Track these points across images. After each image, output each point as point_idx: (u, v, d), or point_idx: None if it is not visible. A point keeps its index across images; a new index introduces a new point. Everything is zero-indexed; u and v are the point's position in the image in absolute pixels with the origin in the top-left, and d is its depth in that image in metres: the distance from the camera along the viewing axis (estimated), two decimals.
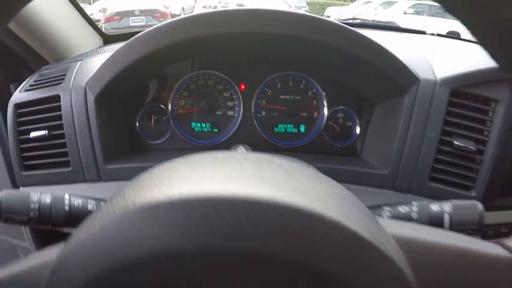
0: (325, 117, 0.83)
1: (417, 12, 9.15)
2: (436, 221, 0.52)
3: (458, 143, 0.69)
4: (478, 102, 0.71)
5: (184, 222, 0.22)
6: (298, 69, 0.83)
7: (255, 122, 0.84)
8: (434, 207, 0.52)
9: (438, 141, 0.70)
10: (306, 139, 0.84)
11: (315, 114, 0.84)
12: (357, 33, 0.67)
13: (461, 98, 0.71)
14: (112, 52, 0.71)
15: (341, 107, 0.84)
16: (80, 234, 0.24)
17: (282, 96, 0.84)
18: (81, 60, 0.85)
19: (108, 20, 7.92)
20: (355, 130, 0.83)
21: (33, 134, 0.75)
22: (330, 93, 0.83)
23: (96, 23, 1.11)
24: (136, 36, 0.68)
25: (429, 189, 0.71)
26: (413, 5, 9.52)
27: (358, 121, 0.83)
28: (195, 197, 0.22)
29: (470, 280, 0.29)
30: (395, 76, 0.70)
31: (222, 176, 0.24)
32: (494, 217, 0.79)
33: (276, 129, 0.85)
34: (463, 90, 0.71)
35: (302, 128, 0.85)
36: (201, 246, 0.22)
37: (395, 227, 0.30)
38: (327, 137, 0.84)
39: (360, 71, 0.73)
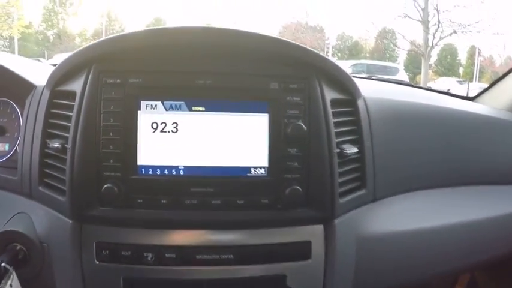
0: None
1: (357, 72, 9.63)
2: None
3: (53, 145, 0.69)
4: (68, 99, 0.70)
5: None
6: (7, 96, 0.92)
7: None
8: None
9: (41, 144, 0.72)
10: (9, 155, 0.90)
11: (15, 135, 0.91)
12: None
13: (60, 98, 0.72)
14: None
15: None
16: None
17: None
18: None
19: None
20: None
21: None
22: None
23: None
24: None
25: (39, 194, 0.73)
26: (353, 65, 10.75)
27: None
28: None
29: None
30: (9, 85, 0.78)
31: None
32: None
33: None
34: (60, 89, 0.72)
35: (7, 147, 0.91)
36: None
37: None
38: None
39: None
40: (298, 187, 0.65)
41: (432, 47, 14.67)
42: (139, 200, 0.65)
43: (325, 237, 0.71)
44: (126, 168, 0.64)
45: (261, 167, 0.66)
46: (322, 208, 0.69)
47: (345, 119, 0.74)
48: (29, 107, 0.77)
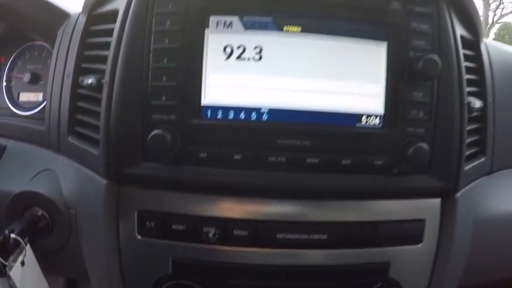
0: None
1: None
2: None
3: (87, 81, 0.57)
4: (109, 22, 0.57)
5: None
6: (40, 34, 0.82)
7: (4, 91, 0.85)
8: None
9: (73, 82, 0.60)
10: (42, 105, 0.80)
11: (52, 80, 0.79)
12: None
13: (99, 22, 0.59)
14: None
15: None
16: None
17: (28, 66, 0.84)
18: None
19: None
20: None
21: None
22: None
23: None
24: None
25: (69, 147, 0.61)
26: None
27: None
28: None
29: None
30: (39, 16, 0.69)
31: None
32: None
33: (20, 99, 0.83)
34: (99, 12, 0.59)
35: (40, 96, 0.80)
36: None
37: None
38: None
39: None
40: (424, 145, 0.47)
41: (492, 24, 13.79)
42: (201, 154, 0.48)
43: (441, 215, 0.54)
44: (184, 108, 0.48)
45: (374, 115, 0.48)
46: (446, 176, 0.52)
47: (468, 64, 0.57)
48: (61, 40, 0.64)
